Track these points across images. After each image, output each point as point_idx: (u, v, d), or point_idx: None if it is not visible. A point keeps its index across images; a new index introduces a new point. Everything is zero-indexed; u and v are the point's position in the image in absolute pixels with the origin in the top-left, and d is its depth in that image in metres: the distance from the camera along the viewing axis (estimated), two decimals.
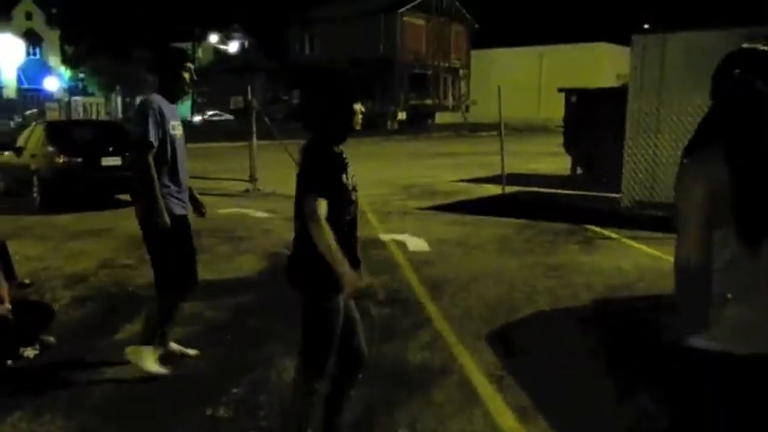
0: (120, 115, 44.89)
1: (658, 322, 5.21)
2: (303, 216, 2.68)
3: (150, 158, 3.96)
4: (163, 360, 4.19)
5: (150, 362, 4.07)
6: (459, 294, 5.88)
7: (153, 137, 3.96)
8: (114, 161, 10.99)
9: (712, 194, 1.85)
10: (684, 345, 1.97)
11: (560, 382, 4.01)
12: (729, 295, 1.89)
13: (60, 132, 12.02)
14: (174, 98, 4.18)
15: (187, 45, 49.01)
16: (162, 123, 4.01)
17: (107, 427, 3.48)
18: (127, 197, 11.36)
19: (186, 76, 4.18)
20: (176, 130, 4.15)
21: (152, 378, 4.10)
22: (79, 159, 10.75)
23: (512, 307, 5.52)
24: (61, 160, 10.68)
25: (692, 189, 1.89)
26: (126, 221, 9.76)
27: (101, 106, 42.26)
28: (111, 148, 11.15)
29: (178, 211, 4.12)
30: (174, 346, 4.42)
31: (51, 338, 4.55)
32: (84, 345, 4.69)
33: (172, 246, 4.07)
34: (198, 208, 4.46)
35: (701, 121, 2.03)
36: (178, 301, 4.28)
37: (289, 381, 4.01)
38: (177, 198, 4.14)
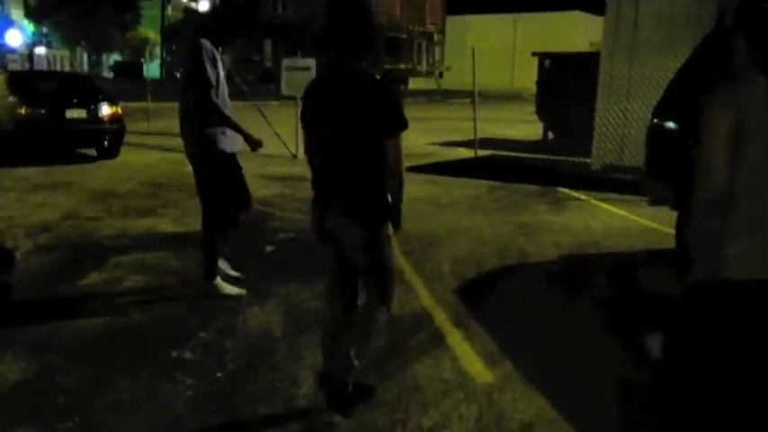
0: (85, 70, 43.58)
1: (627, 276, 5.30)
2: (376, 152, 2.67)
3: (214, 96, 4.17)
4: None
5: (227, 288, 4.54)
6: (429, 249, 5.89)
7: (212, 78, 4.15)
8: (79, 113, 10.69)
9: (738, 123, 1.91)
10: (693, 280, 2.00)
11: (527, 330, 4.06)
12: (730, 229, 1.94)
13: (23, 83, 11.64)
14: (219, 44, 4.31)
15: (156, 2, 47.77)
16: (215, 65, 4.20)
17: (72, 366, 3.42)
18: (92, 151, 11.13)
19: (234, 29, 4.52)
20: (222, 71, 4.37)
21: (118, 321, 4.07)
22: (42, 111, 10.43)
23: (481, 262, 5.55)
24: (24, 111, 10.35)
25: (721, 118, 1.94)
26: (91, 175, 9.58)
27: (66, 59, 40.88)
28: (76, 101, 10.85)
29: (230, 149, 4.36)
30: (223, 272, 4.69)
31: (10, 282, 4.44)
32: (48, 290, 4.61)
33: (226, 182, 4.38)
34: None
35: (701, 55, 2.12)
36: (222, 234, 4.58)
37: (255, 326, 4.03)
38: (229, 137, 4.35)
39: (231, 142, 4.37)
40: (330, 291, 3.15)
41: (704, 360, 2.05)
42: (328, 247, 3.02)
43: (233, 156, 4.41)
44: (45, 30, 43.59)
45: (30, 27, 41.22)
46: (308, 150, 3.01)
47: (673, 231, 5.58)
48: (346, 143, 2.74)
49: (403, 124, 2.69)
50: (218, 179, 4.34)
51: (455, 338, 3.94)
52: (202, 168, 4.37)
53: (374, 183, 2.76)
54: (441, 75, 53.32)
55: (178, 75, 48.97)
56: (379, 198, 2.78)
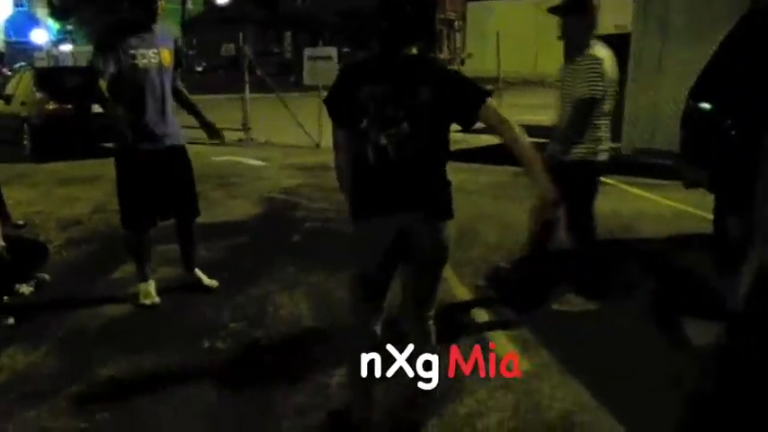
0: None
1: (661, 261, 5.19)
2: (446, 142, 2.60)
3: None
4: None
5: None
6: (458, 237, 5.78)
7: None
8: None
9: None
10: None
11: (562, 317, 3.99)
12: None
13: (50, 79, 11.75)
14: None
15: None
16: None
17: (106, 357, 3.43)
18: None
19: None
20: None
21: (150, 313, 4.09)
22: (69, 106, 10.53)
23: (511, 249, 5.46)
24: (51, 107, 10.47)
25: None
26: None
27: (90, 55, 41.27)
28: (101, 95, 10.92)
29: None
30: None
31: (46, 276, 4.49)
32: (81, 283, 4.64)
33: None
34: None
35: (738, 36, 1.96)
36: None
37: (285, 316, 4.00)
38: None
39: None
40: (358, 311, 2.70)
41: None
42: (361, 258, 2.59)
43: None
44: (70, 27, 44.04)
45: (55, 26, 41.71)
46: (341, 142, 2.58)
47: (708, 215, 5.45)
48: (425, 132, 2.48)
49: (487, 92, 2.60)
50: None
51: (487, 325, 3.88)
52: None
53: (446, 177, 2.60)
54: (462, 62, 52.79)
55: (200, 69, 49.46)
56: (449, 194, 2.62)
